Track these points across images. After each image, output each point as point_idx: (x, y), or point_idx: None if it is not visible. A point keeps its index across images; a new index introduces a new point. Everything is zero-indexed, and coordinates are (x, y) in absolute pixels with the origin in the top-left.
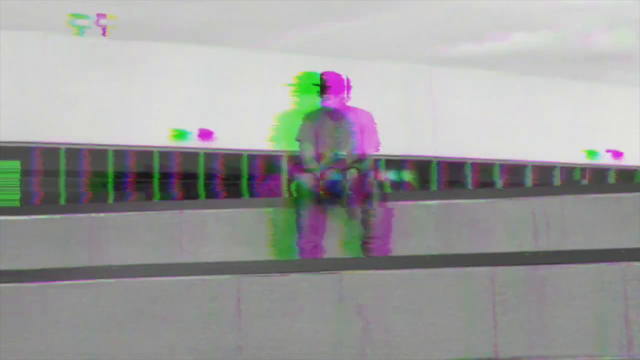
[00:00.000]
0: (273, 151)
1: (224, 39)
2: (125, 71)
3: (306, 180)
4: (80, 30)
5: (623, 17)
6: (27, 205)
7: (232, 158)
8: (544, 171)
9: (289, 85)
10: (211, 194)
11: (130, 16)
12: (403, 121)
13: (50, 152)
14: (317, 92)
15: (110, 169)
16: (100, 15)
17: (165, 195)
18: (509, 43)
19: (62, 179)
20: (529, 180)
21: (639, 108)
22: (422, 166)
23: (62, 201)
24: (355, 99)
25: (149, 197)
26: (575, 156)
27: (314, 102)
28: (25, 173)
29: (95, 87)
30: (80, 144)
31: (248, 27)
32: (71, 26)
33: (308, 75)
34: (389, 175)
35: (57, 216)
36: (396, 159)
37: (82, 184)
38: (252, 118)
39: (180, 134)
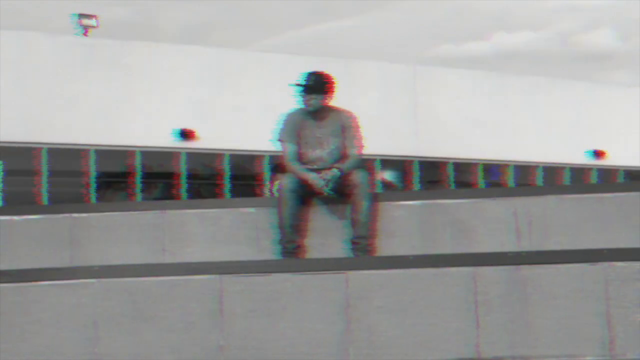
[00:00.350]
0: (275, 151)
1: (223, 39)
2: (125, 71)
3: (287, 180)
4: (82, 30)
5: (623, 17)
6: (7, 205)
7: (235, 158)
8: (545, 171)
9: (292, 85)
10: (212, 194)
11: (130, 16)
12: (386, 121)
13: (34, 152)
14: (300, 91)
15: (91, 169)
16: (83, 15)
17: (151, 195)
18: (510, 43)
19: (70, 179)
20: (518, 180)
21: (639, 108)
22: (404, 166)
23: (44, 201)
24: (349, 99)
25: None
26: (577, 157)
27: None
28: (11, 173)
29: (95, 88)
30: (81, 144)
31: (248, 27)
32: (74, 26)
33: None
34: (374, 175)
35: (39, 216)
36: (379, 158)
37: (79, 184)
38: (253, 118)
39: (181, 134)
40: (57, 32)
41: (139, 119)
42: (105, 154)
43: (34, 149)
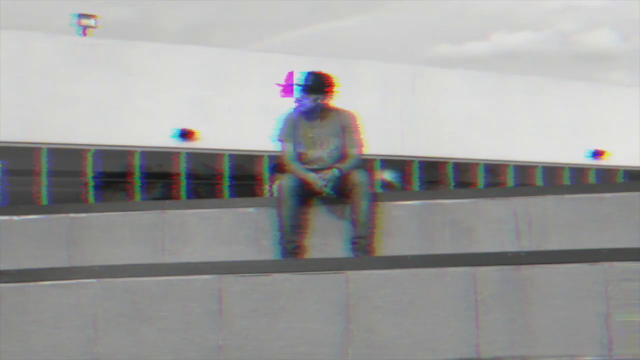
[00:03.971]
0: (275, 151)
1: (223, 40)
2: (124, 71)
3: (287, 180)
4: (81, 30)
5: (624, 18)
6: (7, 205)
7: (237, 158)
8: (549, 171)
9: (294, 85)
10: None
11: (131, 16)
12: (385, 121)
13: (34, 152)
14: (300, 91)
15: (90, 169)
16: (83, 15)
17: (151, 195)
18: (510, 43)
19: (68, 179)
20: (518, 180)
21: (639, 108)
22: (404, 166)
23: (44, 201)
24: (347, 99)
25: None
26: (577, 157)
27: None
28: (12, 173)
29: (95, 88)
30: (81, 144)
31: (247, 27)
32: (74, 26)
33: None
34: (374, 175)
35: (38, 216)
36: (379, 158)
37: (67, 184)
38: (253, 118)
39: (181, 134)
40: (57, 32)
41: (139, 119)
42: (105, 154)
43: (34, 149)
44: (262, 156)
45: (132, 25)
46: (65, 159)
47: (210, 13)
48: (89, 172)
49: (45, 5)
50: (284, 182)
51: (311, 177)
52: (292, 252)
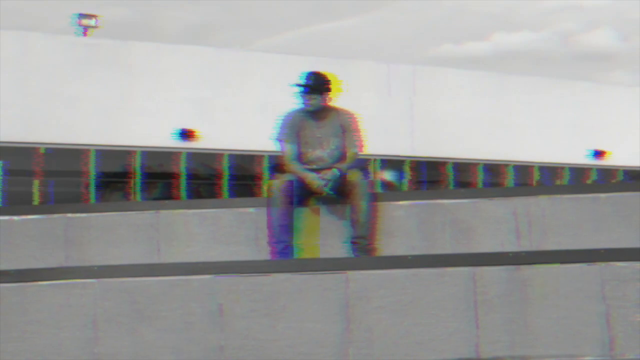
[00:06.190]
0: (275, 151)
1: (223, 40)
2: (124, 71)
3: (279, 180)
4: (82, 30)
5: (624, 18)
6: (7, 205)
7: (237, 158)
8: (548, 171)
9: (292, 85)
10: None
11: (130, 16)
12: (385, 121)
13: (34, 152)
14: (300, 91)
15: (90, 169)
16: (83, 15)
17: (151, 195)
18: (510, 43)
19: (64, 180)
20: (518, 180)
21: (639, 108)
22: (404, 166)
23: (43, 201)
24: (347, 99)
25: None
26: (577, 157)
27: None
28: (13, 173)
29: (95, 88)
30: (81, 144)
31: (247, 27)
32: (74, 26)
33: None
34: (374, 175)
35: (37, 216)
36: (379, 158)
37: (71, 184)
38: (253, 118)
39: (181, 134)
40: (57, 32)
41: (139, 118)
42: (105, 153)
43: (34, 148)
44: (262, 156)
45: (132, 25)
46: (65, 159)
47: (210, 13)
48: (89, 172)
49: (45, 5)
50: (275, 182)
51: (311, 177)
52: (281, 252)
